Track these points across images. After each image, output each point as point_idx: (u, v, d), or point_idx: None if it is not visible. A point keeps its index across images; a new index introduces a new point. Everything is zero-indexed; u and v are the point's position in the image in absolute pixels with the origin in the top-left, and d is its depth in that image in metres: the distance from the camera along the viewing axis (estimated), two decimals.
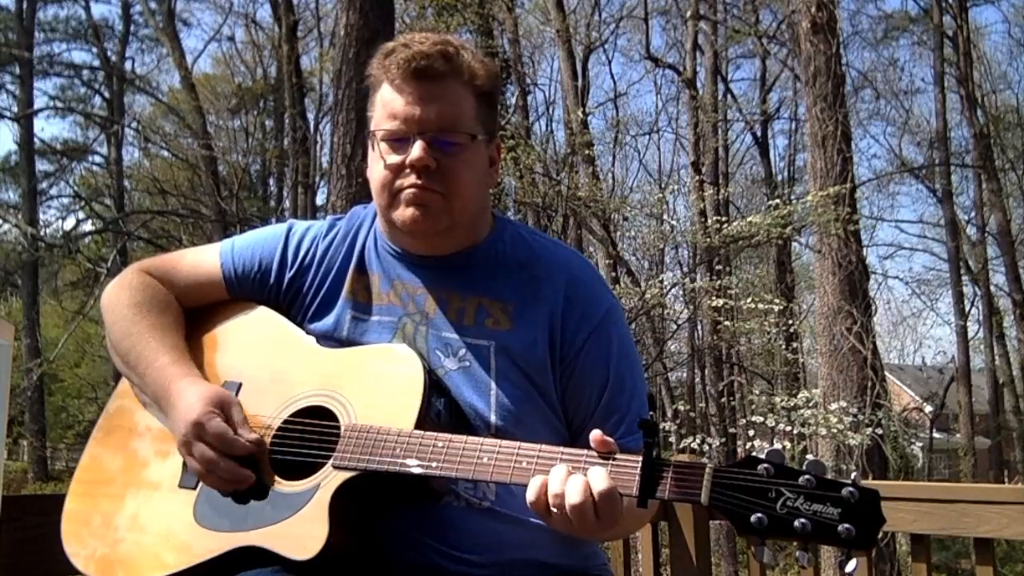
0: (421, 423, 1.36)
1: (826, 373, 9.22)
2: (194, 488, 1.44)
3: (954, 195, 22.25)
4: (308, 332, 1.57)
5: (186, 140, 21.73)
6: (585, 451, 1.26)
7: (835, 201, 9.04)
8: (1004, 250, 20.96)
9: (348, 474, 1.34)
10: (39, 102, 24.70)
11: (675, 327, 12.34)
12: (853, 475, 1.13)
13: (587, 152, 12.43)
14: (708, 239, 9.93)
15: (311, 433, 1.41)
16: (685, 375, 18.40)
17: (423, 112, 1.45)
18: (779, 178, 21.89)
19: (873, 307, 10.45)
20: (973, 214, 23.90)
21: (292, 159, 19.77)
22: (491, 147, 1.57)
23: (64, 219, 26.53)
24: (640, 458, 1.21)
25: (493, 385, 1.46)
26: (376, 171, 1.51)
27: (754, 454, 1.16)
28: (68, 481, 1.58)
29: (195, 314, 1.64)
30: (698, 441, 9.37)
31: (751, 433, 10.02)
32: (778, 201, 10.03)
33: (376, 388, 1.43)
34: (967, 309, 22.56)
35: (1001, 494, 2.13)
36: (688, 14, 18.31)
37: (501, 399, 1.46)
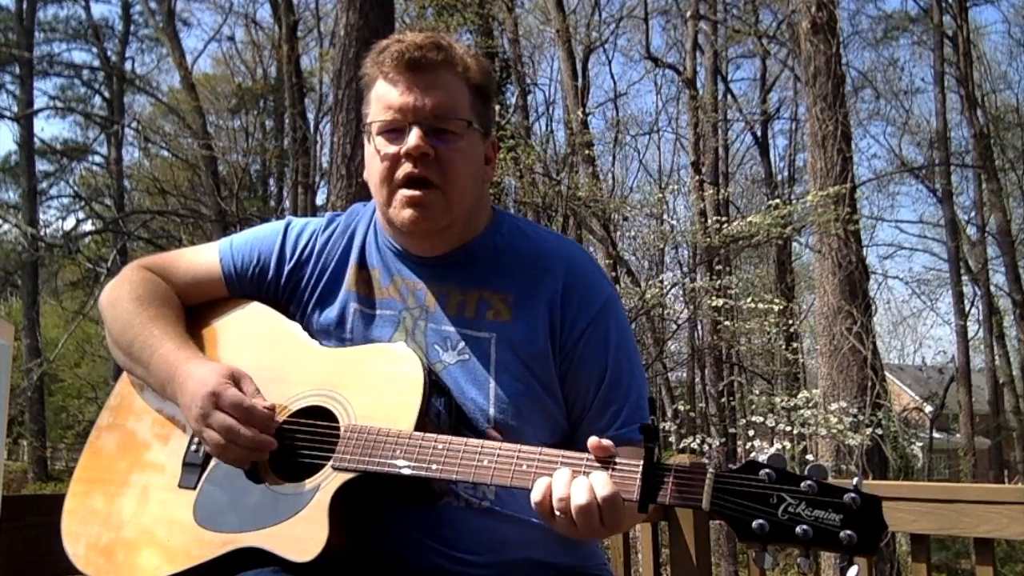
0: (421, 423, 1.36)
1: (826, 373, 9.22)
2: (194, 488, 1.44)
3: (954, 195, 22.26)
4: (310, 326, 1.57)
5: (186, 140, 21.73)
6: (585, 455, 1.26)
7: (835, 201, 9.03)
8: (1004, 250, 20.95)
9: (348, 475, 1.34)
10: (39, 102, 24.73)
11: (675, 327, 12.34)
12: (855, 481, 1.13)
13: (587, 152, 12.43)
14: (708, 239, 9.93)
15: (310, 434, 1.41)
16: (685, 375, 18.39)
17: (418, 101, 1.45)
18: (779, 178, 21.90)
19: (873, 307, 10.46)
20: (973, 214, 23.90)
21: (292, 159, 19.78)
22: (486, 143, 1.56)
23: (64, 219, 26.56)
24: (640, 463, 1.21)
25: (493, 378, 1.46)
26: (373, 165, 1.50)
27: (755, 458, 1.16)
28: (68, 481, 1.58)
29: (194, 312, 1.64)
30: (698, 441, 9.37)
31: (751, 433, 10.02)
32: (778, 201, 10.03)
33: (376, 388, 1.43)
34: (967, 309, 22.58)
35: (1001, 494, 2.13)
36: (688, 14, 18.31)
37: (500, 392, 1.46)
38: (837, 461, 8.42)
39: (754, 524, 1.12)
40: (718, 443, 11.21)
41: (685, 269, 12.97)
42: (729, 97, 20.58)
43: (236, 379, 1.42)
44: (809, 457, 9.09)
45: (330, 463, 1.36)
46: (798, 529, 1.10)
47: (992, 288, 22.51)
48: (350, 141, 6.23)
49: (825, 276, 9.46)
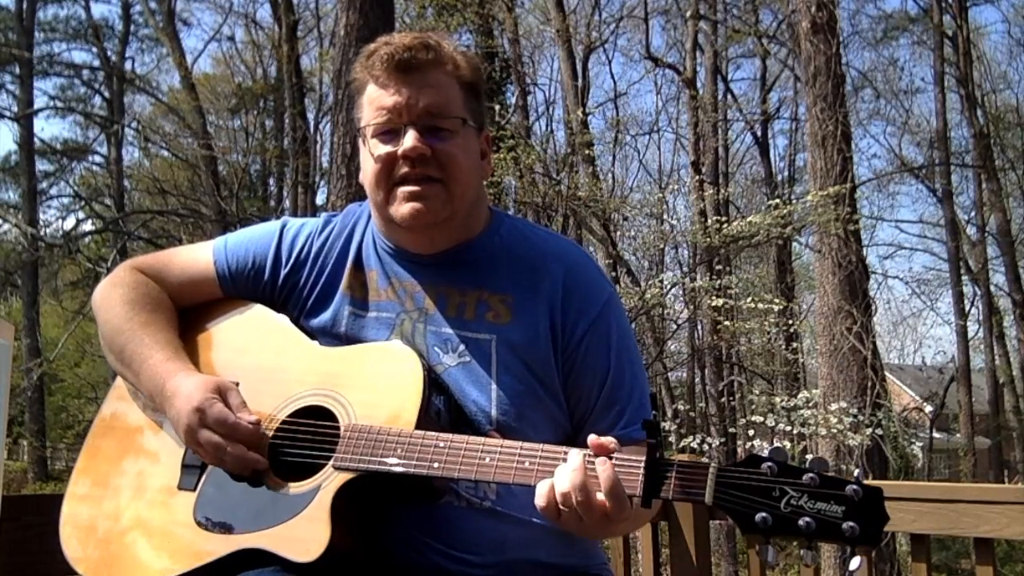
0: (421, 422, 1.35)
1: (826, 373, 9.22)
2: (193, 490, 1.44)
3: (954, 195, 22.26)
4: (305, 328, 1.56)
5: (186, 140, 21.71)
6: (587, 451, 1.26)
7: (835, 201, 9.03)
8: (1004, 250, 20.95)
9: (349, 475, 1.34)
10: (39, 102, 24.70)
11: (675, 327, 12.34)
12: (856, 473, 1.13)
13: (587, 152, 12.43)
14: (708, 239, 9.92)
15: (311, 434, 1.40)
16: (685, 375, 18.37)
17: (411, 101, 1.45)
18: (779, 178, 21.88)
19: (873, 307, 10.45)
20: (973, 214, 23.90)
21: (292, 159, 19.76)
22: (481, 139, 1.56)
23: (64, 219, 26.54)
24: (643, 458, 1.21)
25: (494, 380, 1.46)
26: (369, 167, 1.50)
27: (757, 452, 1.16)
28: (67, 482, 1.57)
29: (190, 313, 1.63)
30: (698, 441, 9.36)
31: (751, 433, 10.01)
32: (778, 201, 10.02)
33: (375, 387, 1.42)
34: (967, 309, 22.57)
35: (1001, 494, 2.13)
36: (688, 14, 18.30)
37: (502, 394, 1.45)
38: (837, 461, 8.41)
39: (757, 517, 1.12)
40: (718, 443, 11.21)
41: (685, 269, 12.99)
42: (729, 97, 20.59)
43: (223, 393, 1.42)
44: (809, 457, 9.07)
45: (331, 463, 1.36)
46: (801, 521, 1.10)
47: (992, 288, 22.52)
48: (350, 141, 6.22)
49: (825, 276, 9.46)
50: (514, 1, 15.55)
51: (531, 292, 1.50)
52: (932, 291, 26.36)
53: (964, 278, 22.34)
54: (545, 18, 17.08)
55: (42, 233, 21.49)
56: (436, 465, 1.30)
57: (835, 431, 8.26)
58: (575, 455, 1.24)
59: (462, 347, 1.48)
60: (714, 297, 9.96)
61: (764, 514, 1.12)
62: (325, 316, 1.56)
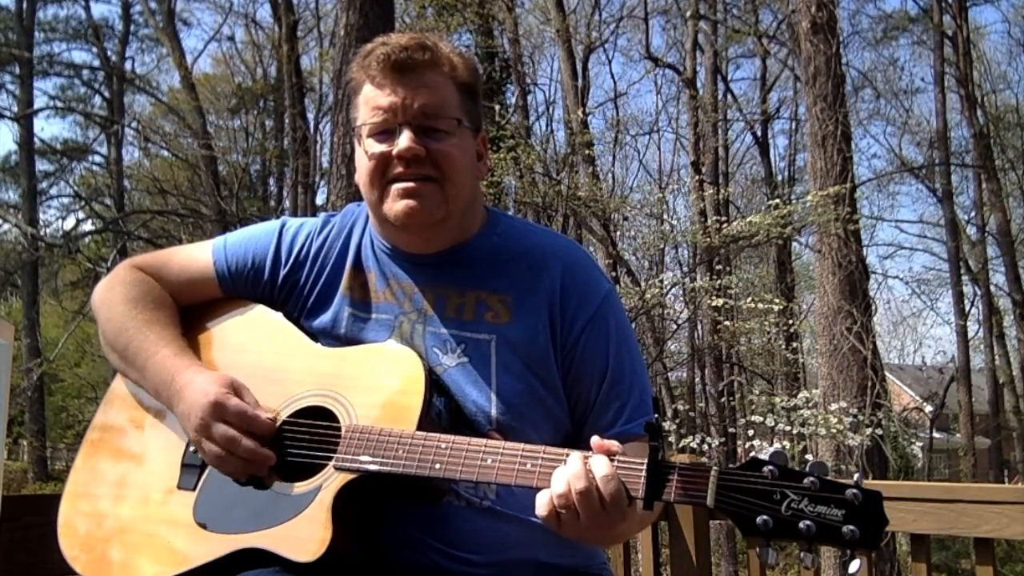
0: (423, 423, 1.35)
1: (826, 373, 9.21)
2: (193, 490, 1.43)
3: (954, 195, 22.26)
4: (305, 328, 1.56)
5: (186, 140, 21.71)
6: (589, 453, 1.25)
7: (835, 201, 9.03)
8: (1004, 250, 20.94)
9: (350, 475, 1.34)
10: (39, 102, 24.71)
11: (675, 327, 12.35)
12: (856, 476, 1.14)
13: (587, 152, 12.43)
14: (708, 239, 9.93)
15: (312, 434, 1.40)
16: (685, 375, 18.38)
17: (407, 101, 1.46)
18: (779, 178, 21.87)
19: (873, 307, 10.46)
20: (973, 214, 23.91)
21: (292, 159, 19.77)
22: (477, 140, 1.56)
23: (64, 219, 26.58)
24: (645, 461, 1.21)
25: (494, 380, 1.46)
26: (363, 166, 1.50)
27: (757, 455, 1.16)
28: (66, 481, 1.57)
29: (190, 312, 1.63)
30: (698, 441, 9.37)
31: (751, 433, 10.02)
32: (778, 201, 10.03)
33: (376, 388, 1.42)
34: (967, 309, 22.58)
35: (1001, 494, 2.13)
36: (688, 14, 18.30)
37: (502, 393, 1.45)
38: (837, 461, 8.41)
39: (758, 520, 1.13)
40: (718, 443, 11.20)
41: (685, 269, 12.99)
42: (729, 97, 20.59)
43: (237, 389, 1.42)
44: (809, 457, 9.07)
45: (332, 463, 1.36)
46: (801, 525, 1.11)
47: (992, 288, 22.52)
48: (350, 141, 6.20)
49: (825, 276, 9.46)
50: (514, 1, 15.55)
51: (530, 290, 1.50)
52: (932, 291, 26.40)
53: (964, 278, 22.35)
54: (545, 18, 17.08)
55: (42, 233, 21.49)
56: (438, 466, 1.30)
57: (835, 431, 8.26)
58: (575, 458, 1.24)
59: (461, 348, 1.48)
60: (714, 297, 9.97)
61: (765, 517, 1.12)
62: (325, 317, 1.56)
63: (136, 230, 20.13)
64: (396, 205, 1.46)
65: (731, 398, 15.45)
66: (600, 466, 1.21)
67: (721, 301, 10.02)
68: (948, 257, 22.64)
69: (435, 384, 1.43)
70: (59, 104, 25.72)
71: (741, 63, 23.90)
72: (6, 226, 22.45)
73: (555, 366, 1.49)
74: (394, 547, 1.43)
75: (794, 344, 14.39)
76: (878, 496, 1.11)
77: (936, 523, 2.12)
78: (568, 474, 1.22)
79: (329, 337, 1.54)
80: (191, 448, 1.47)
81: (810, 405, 8.72)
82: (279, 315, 1.58)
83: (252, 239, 1.64)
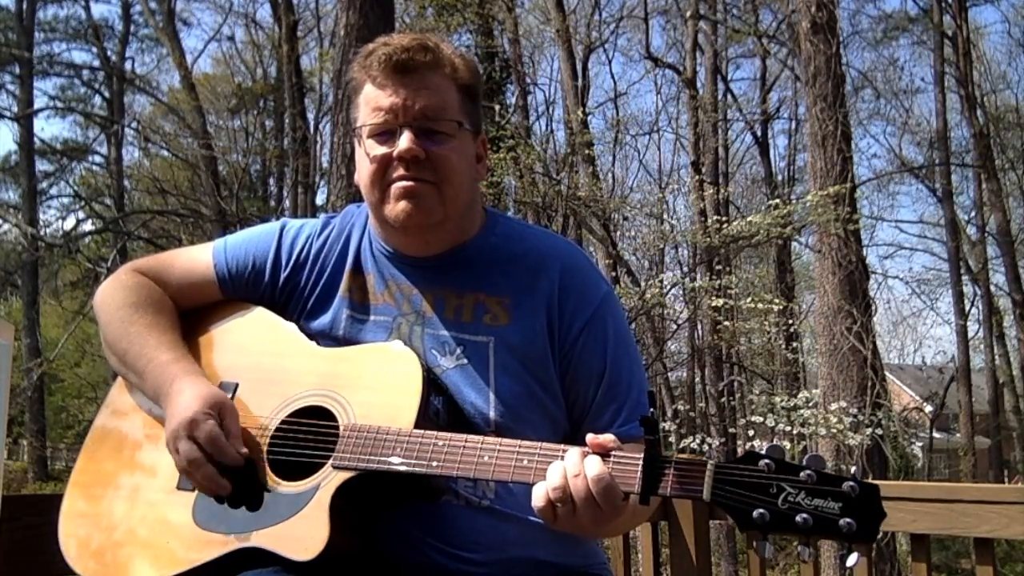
0: (420, 422, 1.36)
1: (826, 373, 9.22)
2: (192, 490, 1.43)
3: (954, 195, 22.28)
4: (305, 330, 1.56)
5: (186, 140, 21.73)
6: (585, 449, 1.25)
7: (835, 201, 9.04)
8: (1004, 250, 20.94)
9: (348, 474, 1.34)
10: (39, 102, 24.73)
11: (675, 327, 12.35)
12: (853, 469, 1.14)
13: (587, 152, 12.43)
14: (708, 239, 9.93)
15: (310, 433, 1.40)
16: (685, 375, 18.38)
17: (408, 103, 1.45)
18: (779, 178, 21.88)
19: (873, 307, 10.46)
20: (973, 214, 23.93)
21: (292, 159, 19.77)
22: (477, 142, 1.56)
23: (64, 219, 26.57)
24: (641, 455, 1.21)
25: (492, 381, 1.46)
26: (364, 168, 1.50)
27: (754, 449, 1.16)
28: (67, 482, 1.57)
29: (191, 314, 1.63)
30: (698, 441, 9.38)
31: (751, 433, 10.03)
32: (778, 201, 10.03)
33: (374, 387, 1.42)
34: (967, 309, 22.58)
35: (1001, 494, 2.13)
36: (688, 14, 18.30)
37: (500, 395, 1.45)
38: (837, 461, 8.42)
39: (755, 514, 1.12)
40: (718, 443, 11.21)
41: (685, 269, 12.99)
42: (729, 97, 20.60)
43: (222, 411, 1.40)
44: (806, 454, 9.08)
45: (330, 462, 1.36)
46: (798, 518, 1.11)
47: (992, 288, 22.54)
48: (350, 141, 6.21)
49: (825, 276, 9.46)
50: (514, 1, 15.55)
51: (528, 292, 1.50)
52: (932, 291, 26.42)
53: (964, 278, 22.36)
54: (545, 18, 17.08)
55: (42, 233, 21.52)
56: (435, 463, 1.30)
57: (835, 431, 8.27)
58: (572, 453, 1.25)
59: (459, 349, 1.48)
60: (714, 297, 9.97)
61: (762, 510, 1.12)
62: (324, 319, 1.56)
63: (136, 230, 20.16)
64: (395, 207, 1.46)
65: (731, 398, 15.46)
66: (593, 467, 1.21)
67: (721, 301, 10.02)
68: (948, 257, 22.66)
69: (433, 383, 1.43)
70: (59, 104, 25.76)
71: (741, 63, 23.94)
72: (6, 226, 22.50)
73: (553, 368, 1.49)
74: (393, 546, 1.43)
75: (794, 344, 14.40)
76: (875, 489, 1.11)
77: (936, 523, 2.12)
78: (564, 469, 1.22)
79: (328, 338, 1.54)
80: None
81: (810, 405, 8.73)
82: (278, 316, 1.59)
83: (252, 241, 1.64)
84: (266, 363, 1.53)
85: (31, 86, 23.92)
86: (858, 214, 10.33)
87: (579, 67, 16.32)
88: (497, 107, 11.67)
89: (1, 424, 1.61)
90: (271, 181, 25.50)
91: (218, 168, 20.23)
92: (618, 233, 11.26)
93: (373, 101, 1.48)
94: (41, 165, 25.01)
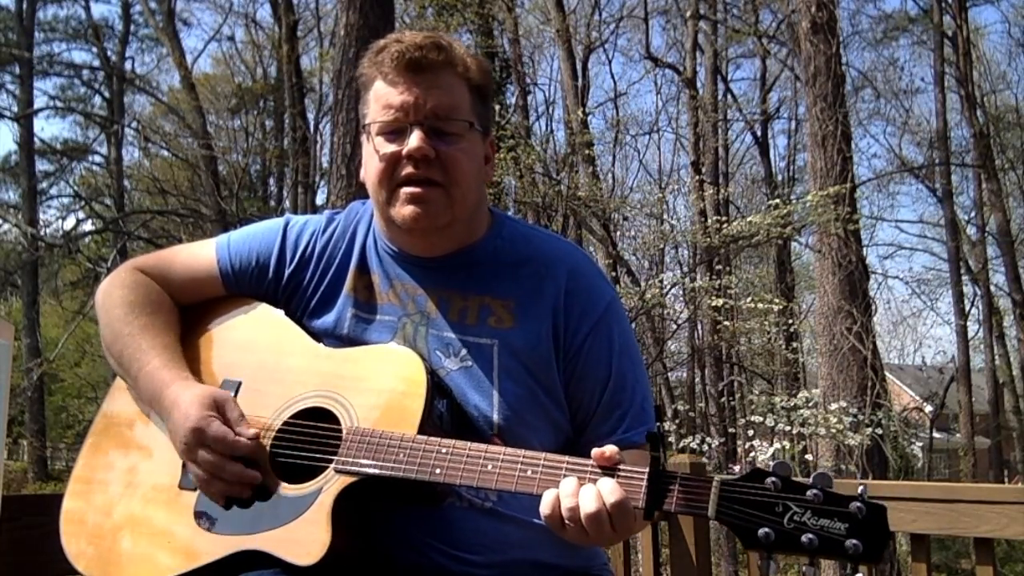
0: (424, 426, 1.35)
1: (826, 373, 9.21)
2: (194, 489, 1.43)
3: (954, 195, 22.25)
4: (309, 328, 1.55)
5: (186, 140, 21.70)
6: (590, 461, 1.25)
7: (835, 201, 9.03)
8: (1004, 250, 20.92)
9: (350, 478, 1.33)
10: (39, 102, 24.70)
11: (675, 327, 12.34)
12: (860, 489, 1.12)
13: (587, 152, 12.42)
14: (708, 239, 9.93)
15: (312, 435, 1.40)
16: (685, 375, 18.36)
17: (419, 101, 1.44)
18: (779, 178, 21.83)
19: (873, 307, 10.45)
20: (973, 214, 23.89)
21: (292, 159, 19.76)
22: (486, 143, 1.55)
23: (64, 219, 26.54)
24: (646, 471, 1.20)
25: (496, 384, 1.45)
26: (372, 165, 1.49)
27: (760, 466, 1.16)
28: (67, 481, 1.57)
29: (193, 311, 1.62)
30: (698, 441, 9.37)
31: (751, 433, 10.01)
32: (778, 201, 10.03)
33: (378, 390, 1.42)
34: (967, 309, 22.55)
35: (1001, 494, 2.13)
36: (688, 14, 18.29)
37: (504, 398, 1.45)
38: (837, 461, 8.41)
39: (760, 533, 1.12)
40: (718, 443, 11.21)
41: (685, 269, 12.98)
42: (729, 97, 20.57)
43: (220, 407, 1.40)
44: (808, 457, 9.09)
45: (332, 465, 1.35)
46: (804, 538, 1.10)
47: (992, 288, 22.51)
48: (350, 141, 6.22)
49: (825, 276, 9.46)
50: (514, 1, 15.54)
51: (533, 296, 1.50)
52: (932, 291, 26.37)
53: (964, 278, 22.33)
54: (545, 18, 17.08)
55: (42, 233, 21.50)
56: (438, 471, 1.30)
57: (835, 431, 8.26)
58: (578, 466, 1.24)
59: (464, 351, 1.47)
60: (714, 297, 9.97)
61: (767, 529, 1.12)
62: (328, 318, 1.55)
63: (136, 230, 20.12)
64: (403, 210, 1.45)
65: (731, 398, 15.44)
66: (609, 491, 1.20)
67: (721, 301, 10.02)
68: (948, 257, 22.63)
69: (437, 386, 1.42)
70: (59, 104, 25.74)
71: (741, 63, 23.92)
72: (6, 226, 22.48)
73: (556, 371, 1.48)
74: (395, 548, 1.42)
75: (794, 344, 14.38)
76: (882, 510, 1.10)
77: (936, 523, 2.12)
78: (577, 494, 1.21)
79: (332, 337, 1.53)
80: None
81: (810, 405, 8.72)
82: (282, 314, 1.58)
83: (256, 237, 1.63)
84: (269, 361, 1.52)
85: (31, 86, 23.91)
86: (858, 214, 10.33)
87: (579, 67, 16.31)
88: (497, 107, 11.66)
89: (1, 424, 1.60)
90: (271, 181, 25.49)
91: (218, 168, 20.20)
92: (618, 233, 11.26)
93: (384, 98, 1.47)
94: (41, 165, 25.01)
